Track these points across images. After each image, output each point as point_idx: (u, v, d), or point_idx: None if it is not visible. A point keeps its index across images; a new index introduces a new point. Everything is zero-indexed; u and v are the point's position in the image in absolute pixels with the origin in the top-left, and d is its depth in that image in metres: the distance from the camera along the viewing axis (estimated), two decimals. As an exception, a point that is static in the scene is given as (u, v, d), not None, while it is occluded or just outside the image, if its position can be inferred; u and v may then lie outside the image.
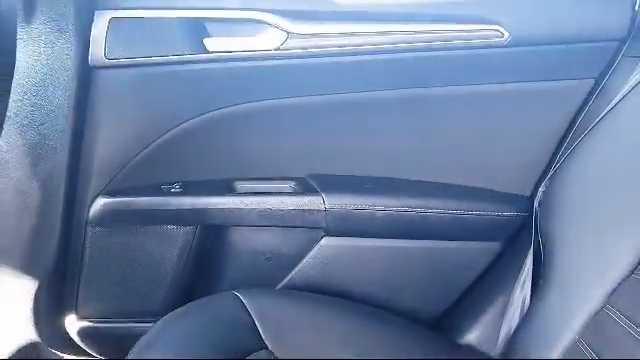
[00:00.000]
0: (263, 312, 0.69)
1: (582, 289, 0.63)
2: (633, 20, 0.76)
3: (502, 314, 0.80)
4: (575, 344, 0.62)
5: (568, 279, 0.66)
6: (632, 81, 0.71)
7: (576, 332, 0.62)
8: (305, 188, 0.86)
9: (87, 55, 0.78)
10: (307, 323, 0.71)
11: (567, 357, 0.61)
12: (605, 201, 0.65)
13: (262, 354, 0.65)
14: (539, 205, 0.77)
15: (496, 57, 0.77)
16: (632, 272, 0.59)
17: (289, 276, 0.86)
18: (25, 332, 0.87)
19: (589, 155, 0.72)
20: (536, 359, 0.64)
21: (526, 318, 0.71)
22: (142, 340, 0.65)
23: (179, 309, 0.70)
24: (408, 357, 0.71)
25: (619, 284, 0.60)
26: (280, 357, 0.65)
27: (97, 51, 0.78)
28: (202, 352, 0.62)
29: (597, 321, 0.61)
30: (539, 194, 0.77)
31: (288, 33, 0.78)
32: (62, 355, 0.91)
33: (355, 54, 0.78)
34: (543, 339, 0.66)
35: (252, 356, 0.64)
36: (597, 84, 0.79)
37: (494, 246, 0.85)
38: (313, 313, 0.74)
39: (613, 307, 0.60)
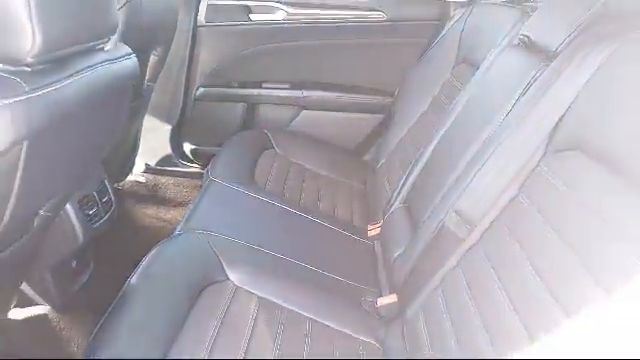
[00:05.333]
0: (276, 136, 1.68)
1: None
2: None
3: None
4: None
5: (399, 123, 1.62)
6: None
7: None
8: (294, 86, 1.83)
9: (197, 20, 1.72)
10: (298, 137, 1.72)
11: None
12: (421, 80, 1.60)
13: (271, 151, 1.64)
14: (397, 93, 1.73)
15: (379, 27, 1.69)
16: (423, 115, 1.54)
17: (289, 127, 1.86)
18: (167, 148, 1.91)
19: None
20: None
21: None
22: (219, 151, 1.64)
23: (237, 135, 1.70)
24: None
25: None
26: (280, 153, 1.64)
27: (201, 19, 1.73)
28: (240, 155, 1.60)
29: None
30: (397, 90, 1.72)
31: (287, 12, 1.71)
32: (185, 162, 1.94)
33: (313, 23, 1.72)
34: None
35: (263, 155, 1.63)
36: (433, 39, 1.70)
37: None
38: (301, 137, 1.75)
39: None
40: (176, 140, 1.91)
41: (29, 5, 0.56)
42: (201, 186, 1.48)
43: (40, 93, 0.59)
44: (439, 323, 0.84)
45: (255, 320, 0.92)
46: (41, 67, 0.61)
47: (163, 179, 1.98)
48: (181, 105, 1.84)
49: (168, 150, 1.91)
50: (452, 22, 1.58)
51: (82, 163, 0.93)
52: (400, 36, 1.72)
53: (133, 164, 1.84)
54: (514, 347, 0.68)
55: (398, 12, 1.70)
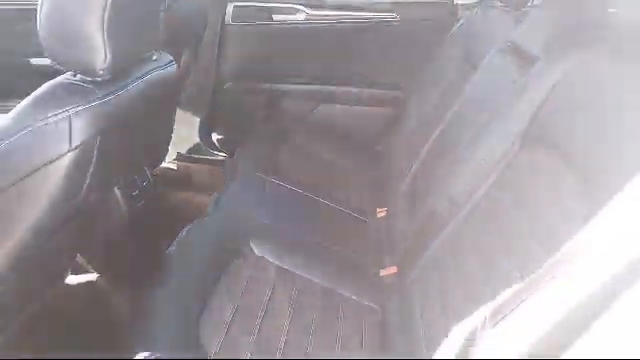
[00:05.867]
0: (296, 127, 1.84)
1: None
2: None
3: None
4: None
5: (408, 117, 1.76)
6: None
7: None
8: (313, 81, 1.99)
9: (224, 19, 1.89)
10: (316, 128, 1.89)
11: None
12: (429, 77, 1.73)
13: (291, 141, 1.80)
14: (408, 89, 1.86)
15: (392, 27, 1.82)
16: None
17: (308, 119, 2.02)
18: (196, 137, 2.09)
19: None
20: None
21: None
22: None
23: (260, 126, 1.87)
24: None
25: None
26: (299, 142, 1.80)
27: (228, 18, 1.89)
28: (263, 144, 1.78)
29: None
30: (408, 86, 1.85)
31: (307, 14, 1.85)
32: (213, 151, 2.12)
33: (331, 24, 1.87)
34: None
35: (284, 145, 1.79)
36: (441, 39, 1.82)
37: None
38: (319, 128, 1.92)
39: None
40: (205, 130, 2.09)
41: (103, 30, 0.72)
42: (228, 172, 1.66)
43: (109, 98, 0.77)
44: (428, 290, 1.00)
45: (274, 286, 1.09)
46: (109, 77, 0.79)
47: (193, 166, 2.16)
48: (210, 98, 2.02)
49: (197, 139, 2.10)
50: (458, 24, 1.70)
51: (133, 153, 1.11)
52: (411, 36, 1.85)
53: (166, 152, 2.03)
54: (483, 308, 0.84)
55: (410, 13, 1.83)
